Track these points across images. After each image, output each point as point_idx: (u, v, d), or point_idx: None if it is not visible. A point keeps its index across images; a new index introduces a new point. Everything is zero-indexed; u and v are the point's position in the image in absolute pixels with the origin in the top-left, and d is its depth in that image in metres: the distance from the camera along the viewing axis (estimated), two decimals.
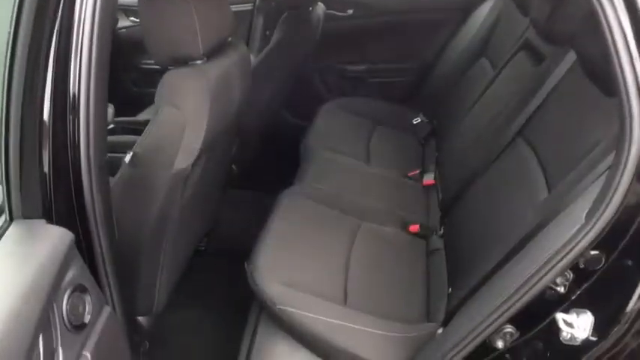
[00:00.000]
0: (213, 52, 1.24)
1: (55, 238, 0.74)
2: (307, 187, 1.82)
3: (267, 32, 2.40)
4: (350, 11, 2.47)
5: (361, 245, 1.60)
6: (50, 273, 0.70)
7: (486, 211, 1.42)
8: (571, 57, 1.34)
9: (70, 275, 0.74)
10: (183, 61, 1.20)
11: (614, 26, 0.76)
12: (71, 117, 0.90)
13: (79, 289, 0.76)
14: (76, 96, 0.89)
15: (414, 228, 1.73)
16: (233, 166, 1.98)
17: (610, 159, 0.98)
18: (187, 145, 1.15)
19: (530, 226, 1.13)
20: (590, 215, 0.85)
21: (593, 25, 1.18)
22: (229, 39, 1.34)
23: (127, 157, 1.17)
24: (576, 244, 0.86)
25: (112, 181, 1.21)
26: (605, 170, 0.96)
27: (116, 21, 2.54)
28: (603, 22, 0.76)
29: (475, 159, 1.60)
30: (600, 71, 1.12)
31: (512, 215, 1.27)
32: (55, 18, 0.83)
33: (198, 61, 1.20)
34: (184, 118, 1.13)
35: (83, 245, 0.98)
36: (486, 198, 1.46)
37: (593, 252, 0.87)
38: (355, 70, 2.59)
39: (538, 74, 1.47)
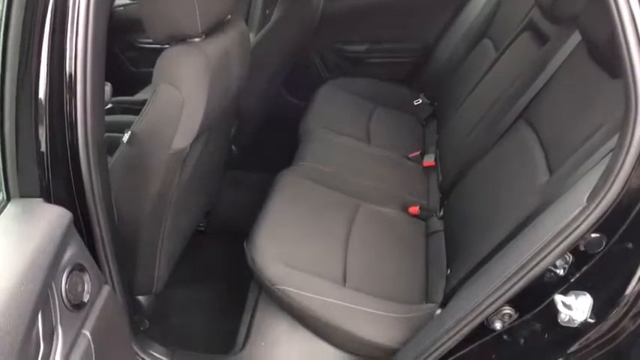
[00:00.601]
0: (211, 30, 1.22)
1: (52, 217, 0.73)
2: (306, 167, 1.81)
3: (267, 11, 2.35)
4: None
5: (360, 226, 1.60)
6: (48, 252, 0.69)
7: (486, 194, 1.42)
8: (575, 38, 1.32)
9: (68, 254, 0.74)
10: (181, 39, 1.18)
11: (622, 4, 0.74)
12: (68, 96, 0.88)
13: (78, 268, 0.76)
14: (73, 74, 0.87)
15: (414, 209, 1.73)
16: (232, 147, 1.97)
17: (611, 143, 0.98)
18: (186, 125, 1.14)
19: (530, 208, 1.13)
20: (592, 198, 0.85)
21: (599, 5, 1.17)
22: (228, 17, 1.32)
23: (125, 137, 1.16)
24: (577, 227, 0.85)
25: (111, 160, 1.20)
26: (607, 154, 0.95)
27: None
28: (611, 1, 0.74)
29: (476, 141, 1.59)
30: (605, 53, 1.10)
31: (512, 198, 1.27)
32: None
33: (197, 39, 1.18)
34: (182, 96, 1.12)
35: (82, 225, 0.98)
36: (487, 180, 1.45)
37: (594, 235, 0.86)
38: (355, 50, 2.55)
39: (541, 55, 1.45)
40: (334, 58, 2.57)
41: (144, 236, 1.28)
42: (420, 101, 2.40)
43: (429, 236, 1.66)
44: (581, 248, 0.88)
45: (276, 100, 2.30)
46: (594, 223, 0.84)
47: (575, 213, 0.87)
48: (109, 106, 2.04)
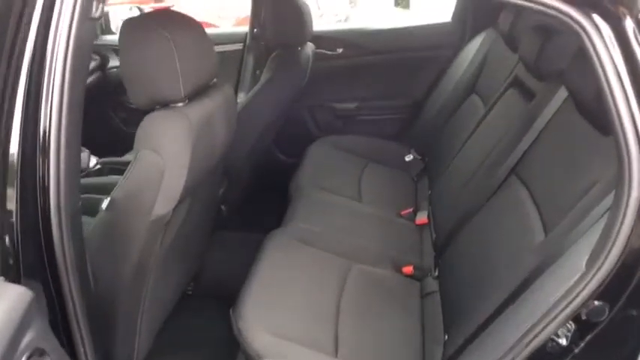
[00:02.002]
0: (195, 94, 1.21)
1: (11, 298, 0.68)
2: (295, 227, 1.76)
3: (258, 72, 2.39)
4: (339, 50, 2.47)
5: (352, 289, 1.54)
6: (4, 338, 0.63)
7: (481, 253, 1.37)
8: (562, 94, 1.31)
9: (27, 338, 0.68)
10: (163, 104, 1.16)
11: (607, 63, 0.72)
12: (41, 159, 0.85)
13: (38, 353, 0.69)
14: (47, 137, 0.84)
15: (408, 269, 1.68)
16: (222, 207, 1.93)
17: (607, 201, 0.95)
18: (167, 191, 1.10)
19: (527, 270, 1.08)
20: (590, 263, 0.80)
21: (584, 61, 1.17)
22: (214, 80, 1.31)
23: (104, 203, 1.12)
24: (577, 294, 0.80)
25: (89, 227, 1.15)
26: (605, 213, 0.91)
27: (107, 60, 2.54)
28: (594, 58, 0.72)
29: (468, 198, 1.56)
30: (593, 109, 1.09)
31: (508, 257, 1.22)
32: (22, 55, 0.79)
33: (180, 104, 1.16)
34: (164, 162, 1.08)
35: (54, 298, 0.92)
36: (481, 239, 1.41)
37: (596, 302, 0.81)
38: (346, 107, 2.57)
39: (529, 111, 1.45)
40: (325, 115, 2.59)
41: (123, 306, 1.21)
42: (411, 157, 2.40)
43: (424, 297, 1.59)
44: (583, 317, 0.83)
45: (265, 158, 2.28)
46: (595, 290, 0.80)
47: (574, 279, 0.83)
48: (98, 166, 2.02)
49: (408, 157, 2.41)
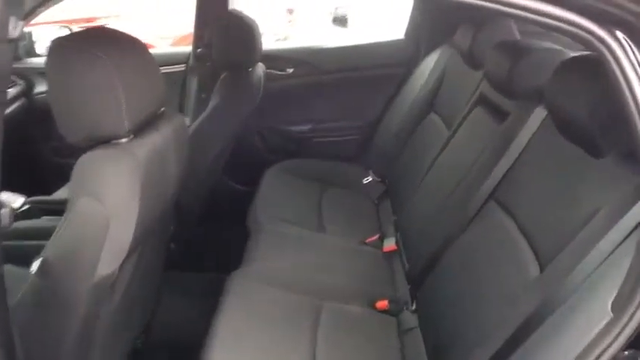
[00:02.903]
0: (141, 127, 1.03)
1: None
2: (259, 267, 1.61)
3: (203, 95, 2.22)
4: (290, 70, 2.35)
5: (326, 331, 1.40)
6: None
7: (467, 286, 1.27)
8: (540, 113, 1.25)
9: None
10: (104, 140, 0.98)
11: (634, 81, 0.63)
12: None
13: None
14: None
15: (382, 304, 1.56)
16: (172, 245, 1.74)
17: (616, 231, 0.87)
18: (113, 246, 0.92)
19: (529, 309, 0.98)
20: (619, 308, 0.71)
21: (567, 80, 1.11)
22: (161, 109, 1.14)
23: (34, 266, 0.92)
24: (610, 344, 0.70)
25: (16, 295, 0.94)
26: (619, 245, 0.83)
27: (33, 85, 2.29)
28: (620, 77, 0.64)
29: (444, 225, 1.46)
30: (582, 131, 1.02)
31: (502, 293, 1.12)
32: None
33: (124, 139, 0.98)
34: (108, 211, 0.90)
35: None
36: (466, 270, 1.30)
37: (626, 352, 0.71)
38: (299, 130, 2.45)
39: (503, 132, 1.37)
40: (277, 139, 2.45)
41: None
42: (370, 179, 2.31)
43: (403, 335, 1.48)
44: None
45: (218, 189, 2.11)
46: (628, 339, 0.70)
47: (600, 326, 0.73)
48: (26, 207, 1.77)
49: (367, 180, 2.31)
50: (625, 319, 0.69)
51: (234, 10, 1.77)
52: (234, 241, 1.85)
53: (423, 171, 1.82)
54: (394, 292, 1.65)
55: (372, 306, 1.56)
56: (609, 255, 0.84)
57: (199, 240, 1.89)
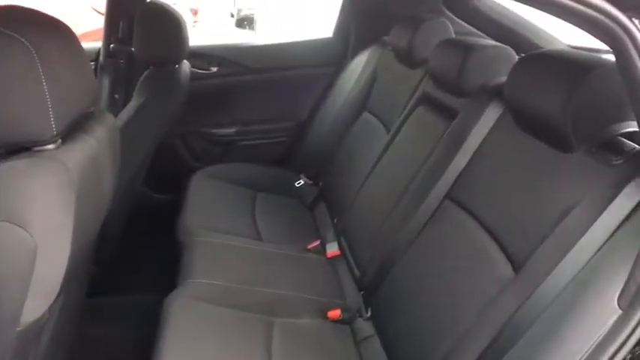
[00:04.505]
0: (70, 130, 0.86)
1: None
2: (197, 285, 1.45)
3: (117, 95, 2.00)
4: (214, 69, 2.19)
5: (280, 347, 1.31)
6: None
7: (431, 290, 1.22)
8: (495, 110, 1.23)
9: None
10: (24, 147, 0.79)
11: None
12: None
13: None
14: None
15: (334, 314, 1.47)
16: (93, 267, 1.52)
17: (600, 226, 0.86)
18: (42, 283, 0.73)
19: (509, 309, 0.95)
20: (630, 303, 0.68)
21: (527, 76, 1.10)
22: (91, 109, 0.96)
23: None
24: (625, 341, 0.67)
25: None
26: (606, 240, 0.82)
27: None
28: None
29: (396, 228, 1.41)
30: (551, 127, 1.01)
31: (470, 295, 1.08)
32: None
33: (50, 146, 0.80)
34: (34, 240, 0.72)
35: None
36: (426, 273, 1.26)
37: (638, 347, 0.69)
38: (224, 133, 2.29)
39: (454, 130, 1.35)
40: (201, 143, 2.29)
41: None
42: (302, 182, 2.23)
43: (360, 343, 1.41)
44: None
45: (140, 202, 1.90)
46: None
47: (609, 324, 0.70)
48: None
49: (299, 183, 2.22)
50: (638, 314, 0.67)
51: (157, 1, 1.59)
52: (163, 257, 1.67)
53: (363, 172, 1.77)
54: (344, 300, 1.58)
55: (324, 316, 1.47)
56: (598, 251, 0.83)
57: (124, 260, 1.68)
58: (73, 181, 0.79)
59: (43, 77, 0.75)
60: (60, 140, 0.82)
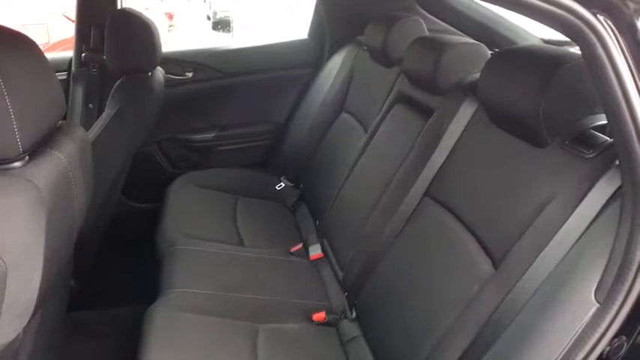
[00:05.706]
0: (38, 147, 0.84)
1: None
2: (180, 294, 1.44)
3: (91, 105, 1.97)
4: (189, 74, 2.17)
5: (266, 353, 1.30)
6: None
7: (413, 288, 1.22)
8: (469, 107, 1.24)
9: None
10: None
11: (622, 68, 0.61)
12: None
13: None
14: None
15: (319, 316, 1.47)
16: (72, 283, 1.49)
17: (576, 219, 0.87)
18: (14, 306, 0.71)
19: (489, 306, 0.96)
20: (607, 297, 0.69)
21: (501, 73, 1.10)
22: (60, 122, 0.94)
23: None
24: (604, 333, 0.68)
25: None
26: (582, 233, 0.83)
27: None
28: (608, 64, 0.61)
29: (377, 228, 1.41)
30: (524, 122, 1.01)
31: (452, 291, 1.09)
32: None
33: (16, 163, 0.78)
34: (4, 264, 0.70)
35: None
36: (408, 272, 1.26)
37: (616, 339, 0.70)
38: (202, 138, 2.27)
39: (431, 128, 1.36)
40: (178, 149, 2.26)
41: None
42: (283, 185, 2.21)
43: (346, 345, 1.41)
44: (604, 356, 0.71)
45: (117, 212, 1.87)
46: (621, 326, 0.68)
47: (588, 315, 0.71)
48: None
49: (279, 186, 2.21)
50: (615, 307, 0.68)
51: (126, 8, 1.57)
52: (144, 267, 1.64)
53: (343, 172, 1.76)
54: (328, 302, 1.57)
55: (309, 319, 1.47)
56: (574, 244, 0.84)
57: (104, 273, 1.65)
58: (42, 200, 0.77)
59: (5, 92, 0.73)
60: (27, 157, 0.80)
